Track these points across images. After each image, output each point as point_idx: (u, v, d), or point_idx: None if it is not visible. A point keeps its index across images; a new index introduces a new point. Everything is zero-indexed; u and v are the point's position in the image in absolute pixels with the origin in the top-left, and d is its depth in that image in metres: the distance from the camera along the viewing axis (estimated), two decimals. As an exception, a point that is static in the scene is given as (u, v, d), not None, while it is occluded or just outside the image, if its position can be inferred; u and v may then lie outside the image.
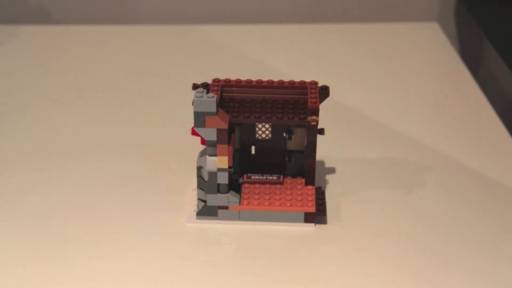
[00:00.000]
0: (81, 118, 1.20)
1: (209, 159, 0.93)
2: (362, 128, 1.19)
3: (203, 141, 0.96)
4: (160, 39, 1.48)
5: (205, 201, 0.96)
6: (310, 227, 0.95)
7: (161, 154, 1.10)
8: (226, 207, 0.96)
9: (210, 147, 0.93)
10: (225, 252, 0.93)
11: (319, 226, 0.96)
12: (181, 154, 1.08)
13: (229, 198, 0.95)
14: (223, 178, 0.94)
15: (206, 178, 0.95)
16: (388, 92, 1.30)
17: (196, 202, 0.98)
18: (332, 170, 1.07)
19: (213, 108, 0.90)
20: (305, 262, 0.91)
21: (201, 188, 0.96)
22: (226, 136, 0.92)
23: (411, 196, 1.02)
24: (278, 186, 0.98)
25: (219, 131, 0.92)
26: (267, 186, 0.98)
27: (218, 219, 0.96)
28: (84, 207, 0.99)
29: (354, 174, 1.06)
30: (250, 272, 0.89)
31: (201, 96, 0.90)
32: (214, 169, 0.94)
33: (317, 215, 0.96)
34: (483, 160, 1.10)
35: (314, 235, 0.95)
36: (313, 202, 0.95)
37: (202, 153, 0.96)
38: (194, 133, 0.95)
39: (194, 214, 0.96)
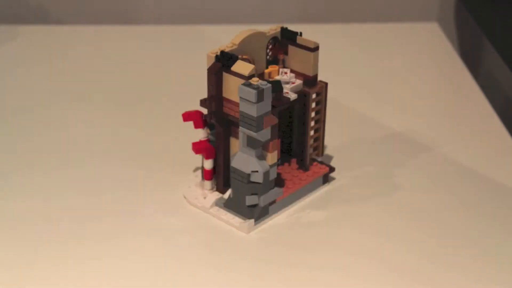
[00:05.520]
0: (81, 117, 1.20)
1: (261, 160, 0.92)
2: (361, 128, 1.19)
3: (196, 126, 0.96)
4: (160, 39, 1.48)
5: (254, 205, 0.95)
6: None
7: (162, 153, 1.10)
8: (274, 201, 0.96)
9: (256, 149, 0.91)
10: (227, 252, 0.93)
11: (316, 229, 0.96)
12: (181, 152, 1.07)
13: (277, 191, 0.95)
14: (274, 173, 0.94)
15: (261, 179, 0.93)
16: (387, 92, 1.30)
17: (216, 211, 0.97)
18: (331, 170, 1.07)
19: (269, 107, 0.90)
20: (302, 267, 0.90)
21: (253, 194, 0.94)
22: (277, 130, 0.92)
23: (411, 196, 1.02)
24: (281, 167, 1.00)
25: (272, 127, 0.91)
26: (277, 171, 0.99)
27: (269, 215, 0.96)
28: (83, 208, 0.99)
29: (354, 174, 1.06)
30: (249, 271, 0.89)
31: (257, 88, 0.88)
32: (268, 167, 0.93)
33: (331, 172, 1.03)
34: (482, 159, 1.10)
35: (312, 238, 0.95)
36: (322, 165, 1.01)
37: (241, 159, 0.93)
38: (186, 119, 0.95)
39: (252, 221, 0.95)
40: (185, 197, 0.99)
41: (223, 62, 0.92)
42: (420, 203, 1.01)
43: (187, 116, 0.96)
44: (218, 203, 0.97)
